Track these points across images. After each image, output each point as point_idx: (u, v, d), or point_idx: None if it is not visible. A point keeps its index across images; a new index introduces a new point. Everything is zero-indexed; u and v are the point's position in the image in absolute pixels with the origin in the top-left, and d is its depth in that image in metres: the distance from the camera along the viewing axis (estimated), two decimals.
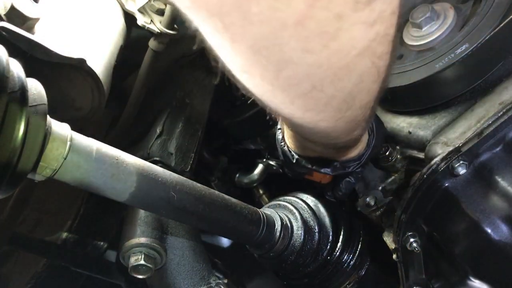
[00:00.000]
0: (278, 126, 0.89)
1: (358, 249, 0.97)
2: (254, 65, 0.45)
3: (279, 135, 0.88)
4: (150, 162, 0.67)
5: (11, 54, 0.51)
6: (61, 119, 0.57)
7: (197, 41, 0.46)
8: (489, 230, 0.73)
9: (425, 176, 0.75)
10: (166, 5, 1.09)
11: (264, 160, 1.42)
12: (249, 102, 0.57)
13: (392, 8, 0.43)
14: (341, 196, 0.98)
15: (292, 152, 0.86)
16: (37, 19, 0.76)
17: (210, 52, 0.47)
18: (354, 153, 0.83)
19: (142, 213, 0.90)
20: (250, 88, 0.50)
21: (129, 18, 1.10)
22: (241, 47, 0.42)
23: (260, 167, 1.42)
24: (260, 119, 1.34)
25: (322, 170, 0.84)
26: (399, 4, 0.44)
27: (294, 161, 0.85)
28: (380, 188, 0.96)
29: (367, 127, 0.74)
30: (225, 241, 1.61)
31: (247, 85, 0.50)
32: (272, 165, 1.40)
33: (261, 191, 1.49)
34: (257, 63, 0.44)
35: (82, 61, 0.81)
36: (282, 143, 0.87)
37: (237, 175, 1.47)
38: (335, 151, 0.81)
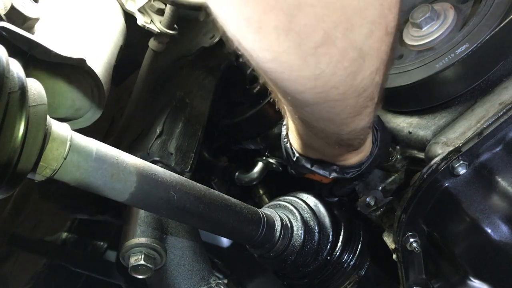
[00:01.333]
0: (284, 122, 0.88)
1: (358, 249, 0.97)
2: (269, 12, 0.43)
3: (283, 131, 0.88)
4: (150, 162, 0.67)
5: (11, 54, 0.51)
6: (61, 119, 0.57)
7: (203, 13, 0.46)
8: (489, 230, 0.73)
9: (425, 176, 0.75)
10: (166, 5, 1.09)
11: (264, 158, 1.42)
12: (255, 90, 0.56)
13: None
14: (339, 194, 0.98)
15: (294, 150, 0.85)
16: (37, 19, 0.76)
17: (219, 23, 0.46)
18: (354, 159, 0.82)
19: (142, 213, 0.90)
20: (262, 53, 0.49)
21: (129, 18, 1.10)
22: None
23: (259, 165, 1.42)
24: (260, 119, 1.35)
25: (321, 172, 0.84)
26: None
27: (294, 159, 0.85)
28: (380, 188, 0.96)
29: (372, 118, 0.72)
30: (225, 241, 1.61)
31: (259, 49, 0.48)
32: (272, 163, 1.40)
33: (261, 191, 1.49)
34: (273, 9, 0.43)
35: (82, 61, 0.81)
36: (285, 140, 0.87)
37: (237, 174, 1.47)
38: (337, 151, 0.80)
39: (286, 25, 0.45)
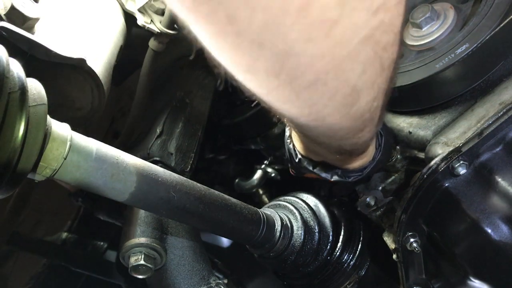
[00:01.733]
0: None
1: (358, 249, 0.97)
2: (258, 59, 0.44)
3: (287, 132, 0.88)
4: (150, 162, 0.67)
5: (11, 54, 0.51)
6: (61, 119, 0.57)
7: (194, 49, 0.46)
8: (489, 230, 0.73)
9: (425, 176, 0.75)
10: (166, 5, 1.09)
11: (263, 166, 1.43)
12: (252, 105, 0.57)
13: None
14: (339, 194, 0.97)
15: (297, 151, 0.85)
16: (37, 19, 0.76)
17: (210, 59, 0.46)
18: (357, 163, 0.82)
19: (142, 213, 0.90)
20: (254, 88, 0.50)
21: (129, 18, 1.10)
22: (245, 40, 0.41)
23: (259, 173, 1.43)
24: (260, 119, 1.35)
25: (323, 175, 0.84)
26: None
27: (297, 161, 0.85)
28: (380, 188, 0.96)
29: (375, 132, 0.73)
30: (225, 241, 1.60)
31: (251, 86, 0.49)
32: (270, 172, 1.41)
33: (261, 191, 1.49)
34: (261, 57, 0.43)
35: (82, 61, 0.81)
36: (289, 141, 0.87)
37: (237, 180, 1.48)
38: (339, 157, 0.80)
39: (276, 70, 0.45)
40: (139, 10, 1.08)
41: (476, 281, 0.77)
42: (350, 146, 0.71)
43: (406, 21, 0.98)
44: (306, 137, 0.79)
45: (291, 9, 0.38)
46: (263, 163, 1.45)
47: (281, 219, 0.87)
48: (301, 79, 0.47)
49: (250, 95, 0.52)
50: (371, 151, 0.82)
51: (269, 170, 1.41)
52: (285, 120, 0.77)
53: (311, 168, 0.84)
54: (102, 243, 1.42)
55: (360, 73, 0.49)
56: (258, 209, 0.84)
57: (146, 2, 1.07)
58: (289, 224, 0.89)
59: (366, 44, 0.45)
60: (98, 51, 0.91)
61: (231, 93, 1.40)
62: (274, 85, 0.48)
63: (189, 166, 1.12)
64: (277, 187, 1.49)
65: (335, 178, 0.84)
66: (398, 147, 0.94)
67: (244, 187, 1.45)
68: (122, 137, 1.18)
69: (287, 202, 0.98)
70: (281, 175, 1.43)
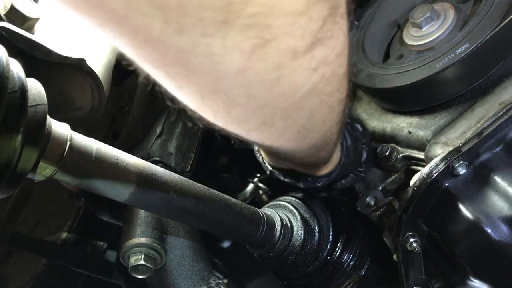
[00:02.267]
0: None
1: (358, 249, 0.97)
2: (204, 107, 0.46)
3: (255, 146, 0.90)
4: (150, 162, 0.67)
5: (11, 54, 0.51)
6: (61, 119, 0.57)
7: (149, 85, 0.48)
8: (489, 230, 0.73)
9: (425, 176, 0.75)
10: None
11: (255, 180, 1.43)
12: None
13: (336, 52, 0.43)
14: (338, 188, 0.97)
15: (266, 163, 0.87)
16: (37, 19, 0.76)
17: (164, 93, 0.47)
18: (325, 170, 0.84)
19: (142, 213, 0.89)
20: (207, 121, 0.52)
21: None
22: (189, 93, 0.43)
23: (250, 186, 1.44)
24: None
25: (295, 184, 0.87)
26: (346, 45, 0.44)
27: (268, 173, 0.87)
28: (380, 188, 0.96)
29: (334, 149, 0.76)
30: (225, 241, 1.60)
31: (205, 120, 0.51)
32: (260, 187, 1.41)
33: (260, 192, 1.49)
34: (206, 106, 0.46)
35: (82, 61, 0.81)
36: (258, 154, 0.89)
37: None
38: (305, 168, 0.83)
39: (222, 115, 0.47)
40: None
41: (476, 281, 0.77)
42: (311, 162, 0.74)
43: (406, 21, 0.98)
44: (270, 152, 0.82)
45: (229, 74, 0.39)
46: (256, 177, 1.45)
47: (281, 219, 0.87)
48: (248, 123, 0.49)
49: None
50: (335, 158, 0.84)
51: (260, 185, 1.42)
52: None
53: (282, 178, 0.86)
54: (102, 243, 1.42)
55: (308, 117, 0.50)
56: (258, 209, 0.84)
57: None
58: (289, 224, 0.89)
59: (310, 96, 0.45)
60: (98, 51, 0.91)
61: None
62: (224, 125, 0.50)
63: (189, 166, 1.12)
64: (277, 188, 1.48)
65: (306, 185, 0.86)
66: (398, 147, 0.94)
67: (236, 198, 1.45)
68: (122, 137, 1.18)
69: (287, 202, 0.97)
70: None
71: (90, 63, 0.82)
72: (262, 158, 0.88)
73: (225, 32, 0.34)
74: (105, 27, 0.37)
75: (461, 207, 0.75)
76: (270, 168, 0.87)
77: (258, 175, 1.43)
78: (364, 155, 0.91)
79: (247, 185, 1.45)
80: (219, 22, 0.33)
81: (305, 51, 0.39)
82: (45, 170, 0.53)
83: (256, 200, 1.48)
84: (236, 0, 0.32)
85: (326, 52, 0.42)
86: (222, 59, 0.37)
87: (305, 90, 0.44)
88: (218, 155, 1.54)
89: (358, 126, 0.92)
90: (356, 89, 1.07)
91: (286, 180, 0.86)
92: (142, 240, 0.84)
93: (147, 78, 0.45)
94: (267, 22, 0.35)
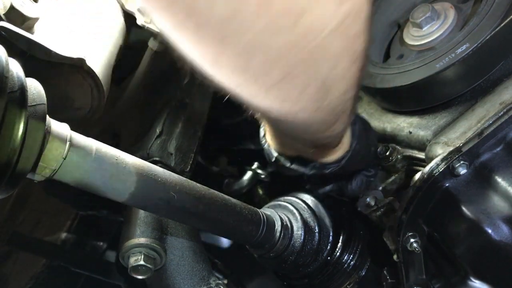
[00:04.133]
0: (262, 123, 0.88)
1: (359, 250, 0.97)
2: (222, 54, 0.42)
3: (261, 132, 0.87)
4: (150, 162, 0.67)
5: (11, 54, 0.51)
6: (60, 119, 0.57)
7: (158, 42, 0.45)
8: (489, 231, 0.73)
9: (425, 176, 0.75)
10: None
11: (253, 167, 1.42)
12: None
13: None
14: (350, 191, 0.97)
15: (272, 150, 0.84)
16: (36, 19, 0.76)
17: (176, 53, 0.45)
18: (334, 156, 0.81)
19: (142, 213, 0.89)
20: (222, 83, 0.48)
21: (129, 18, 1.10)
22: (207, 35, 0.40)
23: (248, 174, 1.42)
24: None
25: (301, 170, 0.83)
26: None
27: (273, 160, 0.84)
28: (380, 188, 0.96)
29: (348, 123, 0.72)
30: (225, 241, 1.60)
31: (219, 80, 0.48)
32: (259, 173, 1.40)
33: (260, 192, 1.49)
34: (225, 52, 0.42)
35: (82, 61, 0.81)
36: (264, 141, 0.86)
37: (226, 181, 1.47)
38: (315, 151, 0.79)
39: (241, 65, 0.44)
40: (139, 10, 1.08)
41: (476, 281, 0.77)
42: (324, 139, 0.71)
43: (407, 21, 0.98)
44: (280, 132, 0.77)
45: (251, 2, 0.36)
46: (253, 164, 1.44)
47: (281, 219, 0.87)
48: (269, 75, 0.45)
49: (220, 89, 0.50)
50: (346, 143, 0.81)
51: (259, 171, 1.41)
52: (258, 114, 0.77)
53: (288, 165, 0.83)
54: (102, 243, 1.42)
55: (331, 66, 0.48)
56: (258, 209, 0.83)
57: None
58: (289, 224, 0.89)
59: (335, 35, 0.43)
60: (98, 51, 0.91)
61: None
62: (241, 81, 0.47)
63: (189, 166, 1.12)
64: (277, 188, 1.48)
65: (313, 171, 0.83)
66: (398, 147, 0.94)
67: (232, 188, 1.44)
68: (122, 137, 1.18)
69: (287, 202, 0.97)
70: (274, 177, 1.42)
71: (90, 63, 0.82)
72: (268, 145, 0.85)
73: None
74: None
75: (462, 207, 0.75)
76: (276, 154, 0.83)
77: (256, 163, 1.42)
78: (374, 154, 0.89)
79: (245, 173, 1.44)
80: None
81: None
82: (45, 170, 0.53)
83: (256, 201, 1.48)
84: None
85: None
86: None
87: (331, 26, 0.41)
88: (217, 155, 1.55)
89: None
90: None
91: (292, 167, 0.82)
92: (142, 240, 0.84)
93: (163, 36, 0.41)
94: None
